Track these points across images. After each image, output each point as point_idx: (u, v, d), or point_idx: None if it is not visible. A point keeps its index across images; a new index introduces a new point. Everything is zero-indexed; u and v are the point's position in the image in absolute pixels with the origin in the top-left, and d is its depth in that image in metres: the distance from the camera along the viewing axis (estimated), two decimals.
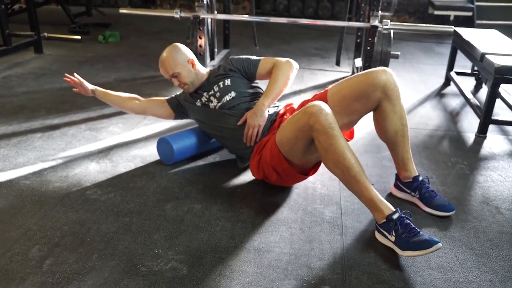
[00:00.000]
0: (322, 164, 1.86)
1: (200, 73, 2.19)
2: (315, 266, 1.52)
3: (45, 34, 4.53)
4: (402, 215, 1.58)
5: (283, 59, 2.11)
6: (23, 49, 4.07)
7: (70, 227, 1.68)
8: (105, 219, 1.74)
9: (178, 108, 2.25)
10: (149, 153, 2.29)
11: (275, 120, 2.04)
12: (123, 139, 2.45)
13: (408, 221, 1.57)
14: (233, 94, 2.09)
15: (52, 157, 2.22)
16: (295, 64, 2.13)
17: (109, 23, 5.49)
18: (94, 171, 2.10)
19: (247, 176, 2.11)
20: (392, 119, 1.85)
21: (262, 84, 2.21)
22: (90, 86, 2.25)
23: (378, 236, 1.66)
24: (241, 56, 2.21)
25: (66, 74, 2.25)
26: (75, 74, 2.25)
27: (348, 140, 1.92)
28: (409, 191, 1.92)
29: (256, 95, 2.14)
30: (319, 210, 1.86)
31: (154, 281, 1.43)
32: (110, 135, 2.49)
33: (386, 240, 1.61)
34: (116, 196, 1.90)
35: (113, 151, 2.30)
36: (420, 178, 1.90)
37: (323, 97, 1.92)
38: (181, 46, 2.18)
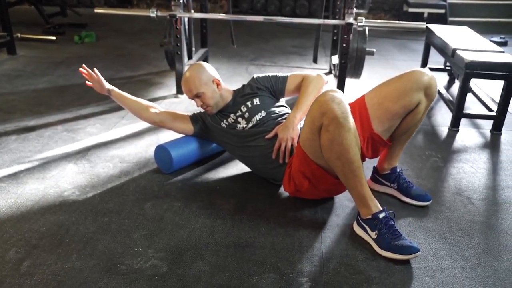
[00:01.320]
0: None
1: (225, 94, 2.08)
2: (294, 259, 1.55)
3: (18, 34, 4.46)
4: (388, 215, 1.61)
5: (313, 73, 2.06)
6: None
7: (48, 228, 1.67)
8: (83, 220, 1.73)
9: (201, 127, 2.12)
10: (128, 153, 2.28)
11: None
12: (101, 139, 2.44)
13: (392, 223, 1.60)
14: (263, 113, 2.00)
15: (28, 159, 2.20)
16: (325, 77, 2.08)
17: (85, 23, 5.42)
18: (72, 172, 2.08)
19: (226, 173, 2.12)
20: (416, 119, 1.83)
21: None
22: (107, 85, 2.11)
23: (356, 228, 1.70)
24: (266, 74, 2.13)
25: (84, 66, 2.13)
26: (95, 70, 2.12)
27: (389, 145, 1.89)
28: (388, 182, 1.97)
29: (284, 113, 2.05)
30: (297, 205, 1.89)
31: (134, 279, 1.43)
32: (87, 136, 2.48)
33: (365, 234, 1.65)
34: (94, 196, 1.89)
35: (91, 152, 2.29)
36: (398, 169, 1.96)
37: (361, 103, 1.84)
38: (207, 65, 2.07)
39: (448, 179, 2.15)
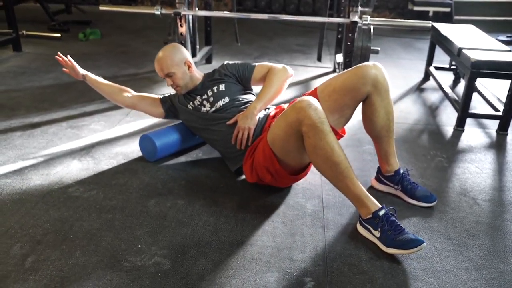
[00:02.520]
0: None
1: (195, 76, 2.17)
2: (297, 259, 1.55)
3: (24, 32, 4.47)
4: (388, 211, 1.61)
5: (279, 65, 2.12)
6: (1, 47, 4.00)
7: (52, 224, 1.67)
8: (87, 216, 1.73)
9: (170, 108, 2.22)
10: (132, 150, 2.28)
11: (265, 122, 2.01)
12: (105, 136, 2.44)
13: (393, 218, 1.60)
14: (226, 99, 2.08)
15: (33, 155, 2.20)
16: (290, 70, 2.12)
17: (89, 20, 5.43)
18: (76, 169, 2.08)
19: (229, 172, 2.12)
20: (380, 113, 1.86)
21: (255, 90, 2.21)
22: (81, 71, 2.23)
23: (360, 229, 1.69)
24: (236, 62, 2.21)
25: (59, 53, 2.24)
26: (69, 56, 2.25)
27: (342, 136, 1.94)
28: (392, 184, 1.96)
29: (249, 101, 2.12)
30: (301, 203, 1.88)
31: (137, 276, 1.43)
32: (92, 133, 2.48)
33: (370, 234, 1.64)
34: (98, 193, 1.89)
35: (95, 149, 2.29)
36: (401, 171, 1.94)
37: (312, 95, 1.90)
38: (180, 47, 2.16)
39: (453, 180, 2.14)
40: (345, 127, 1.98)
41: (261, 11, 6.37)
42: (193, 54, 3.57)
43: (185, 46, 3.11)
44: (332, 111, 1.83)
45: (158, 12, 3.07)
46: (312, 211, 1.83)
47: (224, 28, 5.21)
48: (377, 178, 2.02)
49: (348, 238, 1.67)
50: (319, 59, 3.82)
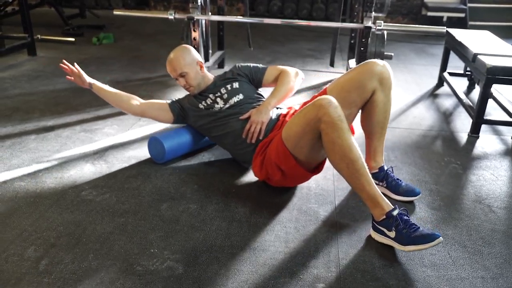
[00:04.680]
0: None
1: (207, 76, 2.22)
2: (310, 265, 1.54)
3: (39, 36, 4.53)
4: (401, 211, 1.61)
5: (291, 68, 2.18)
6: (17, 51, 4.06)
7: (66, 227, 1.68)
8: (100, 220, 1.74)
9: (180, 113, 2.22)
10: (144, 154, 2.29)
11: (277, 120, 2.06)
12: (118, 140, 2.46)
13: (407, 217, 1.59)
14: (240, 96, 2.12)
15: (47, 158, 2.22)
16: (301, 73, 2.21)
17: (103, 25, 5.49)
18: (89, 172, 2.10)
19: (242, 176, 2.12)
20: (380, 108, 1.90)
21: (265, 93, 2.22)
22: (88, 79, 2.22)
23: (374, 235, 1.67)
24: (248, 63, 2.27)
25: (64, 61, 2.24)
26: (75, 64, 2.24)
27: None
28: (376, 181, 1.97)
29: (261, 100, 2.16)
30: (313, 209, 1.87)
31: (150, 281, 1.43)
32: (105, 137, 2.50)
33: (384, 237, 1.62)
34: (111, 196, 1.90)
35: (108, 152, 2.31)
36: (385, 168, 1.98)
37: (322, 94, 1.93)
38: (191, 48, 2.21)
39: (467, 187, 2.11)
40: None
41: (274, 16, 6.38)
42: (206, 59, 3.58)
43: (198, 51, 3.13)
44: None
45: (171, 17, 3.09)
46: (325, 217, 1.82)
47: (236, 33, 5.22)
48: None
49: (362, 244, 1.65)
50: (331, 65, 3.81)
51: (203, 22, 3.42)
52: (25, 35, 4.03)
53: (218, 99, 2.14)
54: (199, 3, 3.11)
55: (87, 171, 2.11)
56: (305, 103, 2.05)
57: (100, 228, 1.69)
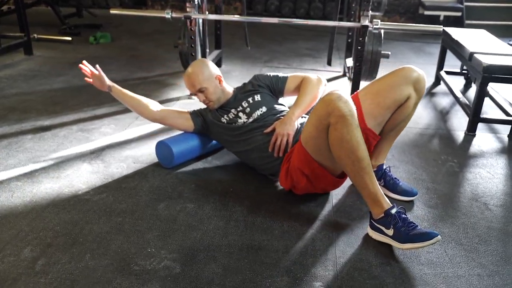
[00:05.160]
0: None
1: (226, 90, 2.15)
2: (308, 263, 1.54)
3: (35, 35, 4.52)
4: (399, 209, 1.61)
5: (313, 75, 2.12)
6: (13, 50, 4.04)
7: (63, 227, 1.68)
8: (97, 219, 1.74)
9: (202, 124, 2.16)
10: (142, 153, 2.29)
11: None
12: (115, 139, 2.45)
13: (405, 216, 1.59)
14: (264, 109, 2.07)
15: (44, 158, 2.22)
16: (324, 80, 2.14)
17: (100, 24, 5.47)
18: (86, 172, 2.09)
19: (239, 175, 2.12)
20: (405, 115, 1.87)
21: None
22: (108, 82, 2.16)
23: (372, 233, 1.68)
24: (268, 73, 2.21)
25: (84, 62, 2.17)
26: (97, 66, 2.16)
27: (377, 140, 1.88)
28: None
29: (284, 111, 2.10)
30: (311, 208, 1.87)
31: (147, 280, 1.43)
32: (102, 136, 2.49)
33: (382, 236, 1.63)
34: (108, 196, 1.90)
35: (105, 152, 2.30)
36: (384, 167, 1.98)
37: (355, 99, 1.82)
38: (209, 62, 2.15)
39: (464, 184, 2.11)
40: None
41: (271, 15, 6.38)
42: (203, 58, 3.57)
43: (195, 50, 3.13)
44: (375, 115, 1.82)
45: (168, 16, 3.09)
46: (322, 216, 1.82)
47: (234, 32, 5.22)
48: None
49: (359, 243, 1.66)
50: (329, 63, 3.81)
51: (200, 21, 3.41)
52: (22, 34, 4.02)
53: (241, 113, 2.07)
54: (196, 2, 3.10)
55: (84, 171, 2.10)
56: None
57: (97, 228, 1.68)
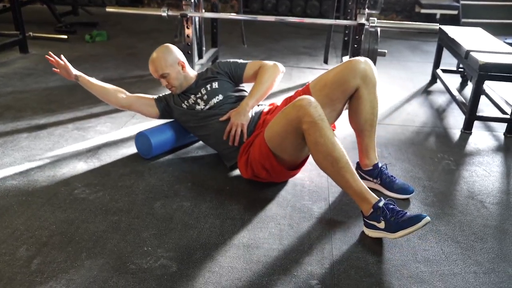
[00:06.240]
0: (311, 161, 1.87)
1: (189, 75, 2.19)
2: (304, 261, 1.54)
3: (31, 33, 4.49)
4: (387, 201, 1.63)
5: (270, 62, 2.15)
6: (8, 48, 4.02)
7: (58, 226, 1.67)
8: (93, 218, 1.73)
9: (165, 108, 2.24)
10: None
11: (259, 118, 2.07)
12: (111, 138, 2.44)
13: (393, 206, 1.61)
14: (220, 97, 2.11)
15: (39, 157, 2.20)
16: (281, 67, 2.17)
17: (96, 22, 5.45)
18: (82, 170, 2.09)
19: (236, 173, 2.11)
20: (366, 106, 1.91)
21: (247, 87, 2.21)
22: (74, 71, 2.22)
23: (367, 231, 1.68)
24: (229, 60, 2.25)
25: (50, 53, 2.23)
26: (62, 56, 2.22)
27: (333, 130, 1.96)
28: (371, 178, 1.99)
29: (242, 98, 2.15)
30: (307, 206, 1.87)
31: (143, 279, 1.43)
32: (98, 134, 2.48)
33: (376, 231, 1.63)
34: (104, 195, 1.89)
35: (101, 150, 2.29)
36: (380, 165, 1.99)
37: (306, 91, 1.97)
38: (173, 47, 2.18)
39: (460, 182, 2.12)
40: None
41: (268, 13, 6.36)
42: (200, 56, 3.57)
43: (192, 48, 3.12)
44: (323, 106, 1.85)
45: (165, 14, 3.08)
46: (318, 214, 1.82)
47: (230, 30, 5.21)
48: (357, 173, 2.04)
49: (355, 241, 1.66)
50: (325, 62, 3.81)
51: (197, 19, 3.40)
52: (17, 32, 3.99)
53: (199, 100, 2.13)
54: (192, 0, 3.10)
55: (80, 169, 2.10)
56: (287, 99, 2.08)
57: (93, 227, 1.68)
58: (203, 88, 2.15)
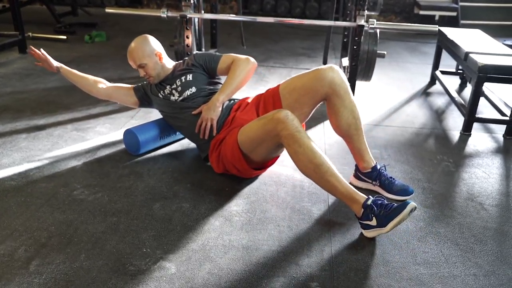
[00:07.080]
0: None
1: (166, 66, 2.23)
2: (304, 263, 1.53)
3: (30, 34, 4.49)
4: (375, 198, 1.64)
5: (243, 57, 2.17)
6: (7, 49, 4.01)
7: (57, 227, 1.67)
8: (92, 219, 1.73)
9: (143, 97, 2.29)
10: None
11: (228, 114, 2.10)
12: (110, 139, 2.44)
13: (381, 201, 1.62)
14: (193, 89, 2.14)
15: (38, 157, 2.20)
16: (253, 61, 2.17)
17: (95, 23, 5.44)
18: (81, 171, 2.08)
19: (234, 175, 2.10)
20: (343, 113, 1.93)
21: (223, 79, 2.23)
22: (55, 63, 2.30)
23: (365, 232, 1.68)
24: (205, 52, 2.28)
25: (31, 47, 2.30)
26: (42, 50, 2.30)
27: None
28: (370, 180, 2.00)
29: (216, 90, 2.17)
30: (307, 208, 1.87)
31: (142, 280, 1.42)
32: (97, 135, 2.48)
33: (371, 231, 1.64)
34: (103, 196, 1.89)
35: (100, 151, 2.29)
36: (378, 167, 1.99)
37: (275, 90, 2.04)
38: (151, 38, 2.23)
39: (460, 184, 2.12)
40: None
41: (267, 14, 6.37)
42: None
43: (191, 49, 3.11)
44: (292, 109, 1.92)
45: (164, 15, 3.07)
46: (318, 215, 1.82)
47: (230, 31, 5.21)
48: (356, 175, 2.06)
49: (355, 243, 1.66)
50: (325, 63, 3.81)
51: (196, 20, 3.40)
52: (16, 33, 3.99)
53: (174, 91, 2.17)
54: (192, 1, 3.09)
55: (79, 170, 2.09)
56: (259, 96, 2.13)
57: (92, 228, 1.67)
58: (178, 80, 2.18)
